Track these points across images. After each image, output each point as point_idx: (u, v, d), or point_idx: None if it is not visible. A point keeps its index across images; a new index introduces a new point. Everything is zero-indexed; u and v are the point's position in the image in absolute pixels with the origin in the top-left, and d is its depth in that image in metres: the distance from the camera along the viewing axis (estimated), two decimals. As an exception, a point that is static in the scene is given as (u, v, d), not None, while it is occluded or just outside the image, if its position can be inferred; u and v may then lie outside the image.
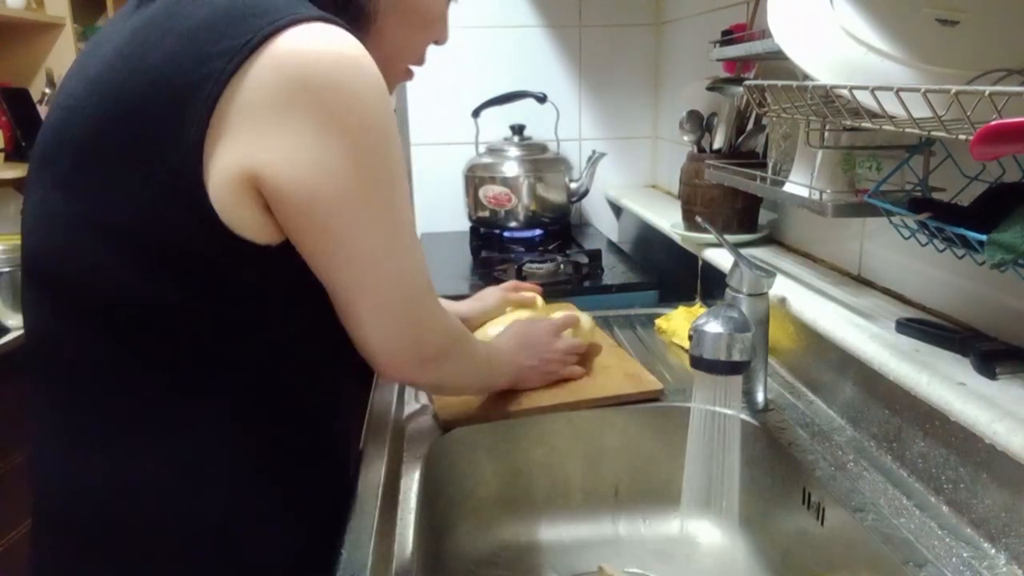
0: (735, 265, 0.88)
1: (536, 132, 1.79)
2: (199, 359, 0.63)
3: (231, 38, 0.56)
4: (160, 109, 0.56)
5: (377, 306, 0.66)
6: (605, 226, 1.96)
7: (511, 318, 1.06)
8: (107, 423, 0.63)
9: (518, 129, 1.74)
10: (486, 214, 1.72)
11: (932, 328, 0.79)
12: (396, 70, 0.77)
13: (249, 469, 0.67)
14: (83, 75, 0.63)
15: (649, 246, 1.64)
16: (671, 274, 1.43)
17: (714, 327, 0.77)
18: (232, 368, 0.64)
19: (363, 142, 0.59)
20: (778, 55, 0.78)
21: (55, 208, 0.61)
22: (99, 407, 0.63)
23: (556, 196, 1.72)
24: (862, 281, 1.01)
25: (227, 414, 0.65)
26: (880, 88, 0.61)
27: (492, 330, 1.03)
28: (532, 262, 1.46)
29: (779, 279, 0.96)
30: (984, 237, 0.61)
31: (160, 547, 0.64)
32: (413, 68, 0.80)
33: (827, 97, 0.71)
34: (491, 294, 1.14)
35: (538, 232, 1.74)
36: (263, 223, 0.60)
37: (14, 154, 2.48)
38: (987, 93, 0.51)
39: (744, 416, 0.89)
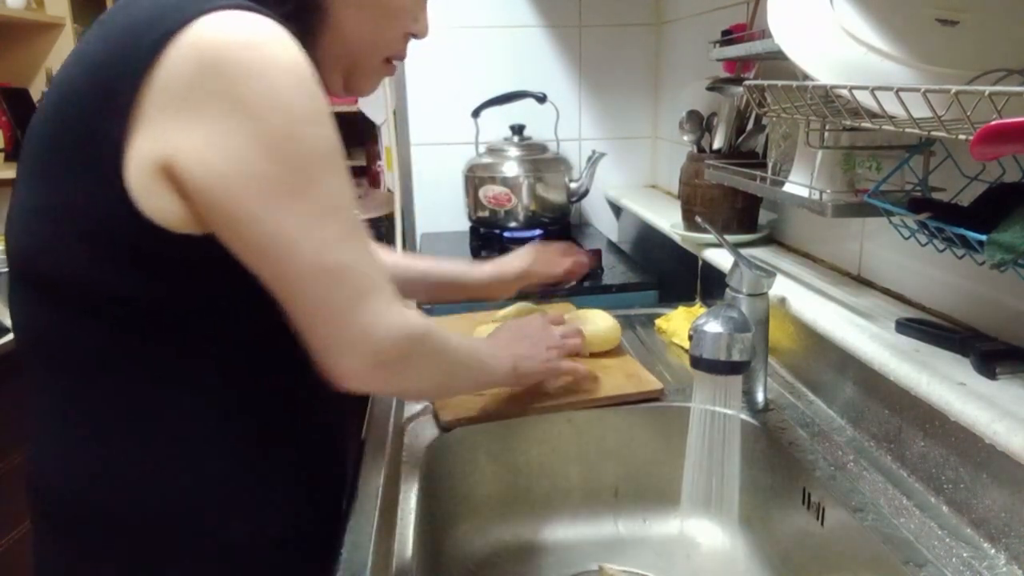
0: (735, 265, 0.88)
1: (536, 132, 1.79)
2: (180, 354, 0.63)
3: (158, 29, 0.56)
4: (97, 104, 0.57)
5: (312, 302, 0.60)
6: (605, 226, 1.96)
7: (494, 327, 1.03)
8: (98, 421, 0.63)
9: (518, 129, 1.74)
10: (486, 214, 1.72)
11: (932, 328, 0.79)
12: (369, 64, 0.74)
13: (248, 468, 0.67)
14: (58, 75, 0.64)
15: (649, 246, 1.64)
16: (671, 274, 1.43)
17: (714, 327, 0.78)
18: (215, 363, 0.64)
19: (273, 126, 0.56)
20: (778, 55, 0.78)
21: (28, 204, 0.62)
22: (89, 403, 0.63)
23: (556, 196, 1.72)
24: (862, 281, 1.01)
25: (219, 411, 0.65)
26: (880, 88, 0.61)
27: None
28: (532, 262, 1.45)
29: (779, 279, 0.96)
30: (984, 237, 0.61)
31: (158, 545, 0.64)
32: (398, 63, 0.78)
33: (827, 97, 0.71)
34: (513, 261, 1.07)
35: (538, 232, 1.74)
36: (182, 212, 0.58)
37: (14, 154, 2.48)
38: (987, 93, 0.51)
39: (744, 416, 0.89)
